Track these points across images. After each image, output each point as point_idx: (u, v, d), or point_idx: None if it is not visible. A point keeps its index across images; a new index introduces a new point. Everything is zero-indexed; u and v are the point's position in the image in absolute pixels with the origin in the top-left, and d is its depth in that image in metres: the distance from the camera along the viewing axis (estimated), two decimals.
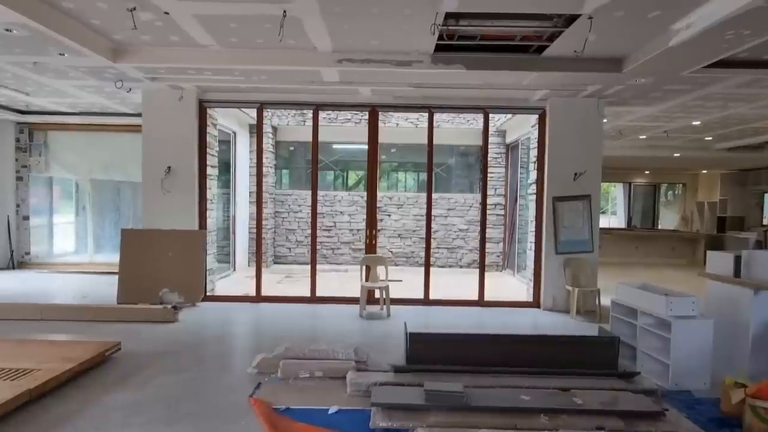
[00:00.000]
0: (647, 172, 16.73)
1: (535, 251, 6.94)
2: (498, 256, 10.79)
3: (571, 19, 4.27)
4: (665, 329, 4.11)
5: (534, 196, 7.05)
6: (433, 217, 11.37)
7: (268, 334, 5.43)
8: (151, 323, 5.64)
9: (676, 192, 18.34)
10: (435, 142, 11.15)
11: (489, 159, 10.82)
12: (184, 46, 5.15)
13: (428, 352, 4.18)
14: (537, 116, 6.96)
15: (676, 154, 11.52)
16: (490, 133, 10.86)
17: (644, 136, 9.96)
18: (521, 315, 6.53)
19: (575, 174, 6.68)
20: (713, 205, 15.73)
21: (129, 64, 5.37)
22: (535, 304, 6.90)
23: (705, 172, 16.27)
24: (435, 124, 10.81)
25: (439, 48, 5.12)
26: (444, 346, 4.22)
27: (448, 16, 4.28)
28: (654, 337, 4.28)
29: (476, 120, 10.99)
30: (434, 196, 11.41)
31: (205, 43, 5.03)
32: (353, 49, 5.15)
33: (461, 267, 11.37)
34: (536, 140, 7.02)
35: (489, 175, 10.75)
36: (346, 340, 5.20)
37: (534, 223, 7.00)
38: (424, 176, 12.52)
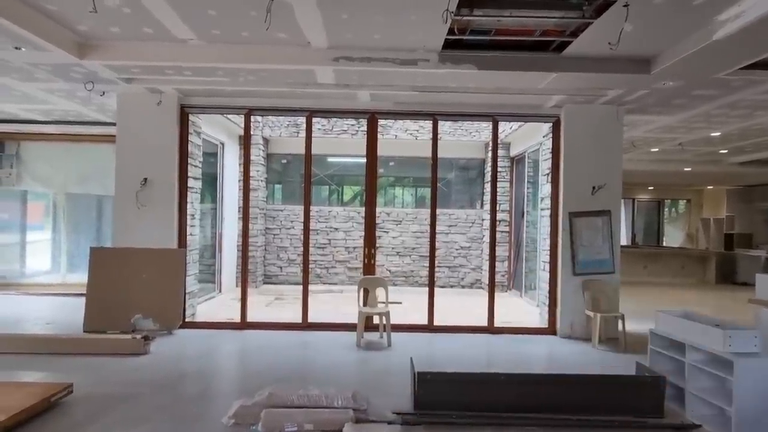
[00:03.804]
0: (651, 187, 16.27)
1: (550, 272, 6.30)
2: (503, 276, 10.14)
3: (603, 7, 3.73)
4: (720, 367, 3.47)
5: (547, 212, 6.45)
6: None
7: (252, 370, 4.73)
8: (118, 356, 4.92)
9: (679, 208, 17.91)
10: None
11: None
12: (160, 41, 4.55)
13: (440, 395, 3.51)
14: (550, 125, 6.40)
15: (686, 168, 11.03)
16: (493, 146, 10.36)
17: (656, 149, 9.45)
18: (536, 344, 5.86)
19: (593, 188, 6.09)
20: (719, 222, 15.24)
21: (98, 61, 4.75)
22: (551, 330, 6.24)
23: (711, 187, 15.83)
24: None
25: (447, 45, 4.56)
26: (459, 387, 3.55)
27: (462, 3, 3.72)
28: (705, 376, 3.64)
29: (479, 132, 10.46)
30: (436, 211, 10.81)
31: (183, 36, 4.43)
32: (352, 45, 4.57)
33: (463, 287, 10.70)
34: (549, 151, 6.45)
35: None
36: (342, 376, 4.51)
37: (548, 241, 6.38)
38: (422, 191, 11.95)
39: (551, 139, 6.39)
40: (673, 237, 17.32)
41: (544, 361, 5.31)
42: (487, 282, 10.16)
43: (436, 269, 10.81)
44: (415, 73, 4.96)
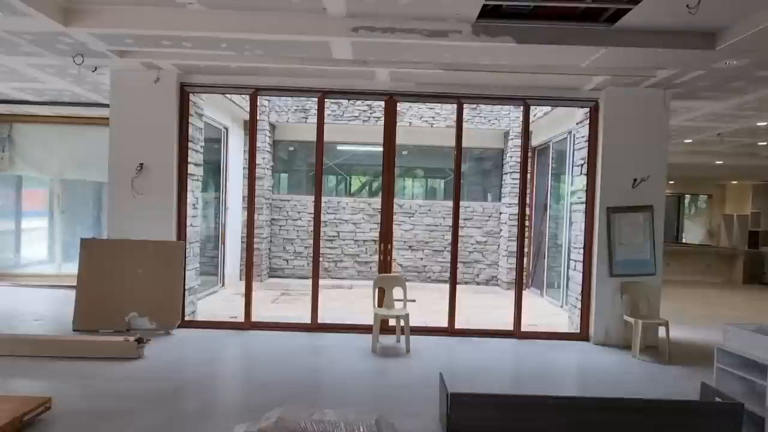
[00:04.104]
0: (671, 181, 15.61)
1: (583, 272, 5.74)
2: None
3: None
4: None
5: (581, 206, 5.88)
6: (448, 228, 10.24)
7: (257, 380, 4.22)
8: (108, 360, 4.43)
9: (698, 204, 17.26)
10: (448, 144, 10.03)
11: (512, 164, 9.69)
12: (155, 5, 3.99)
13: (477, 420, 2.99)
14: (587, 111, 5.81)
15: (717, 162, 10.40)
16: (513, 135, 9.77)
17: (689, 140, 8.83)
18: (569, 352, 5.33)
19: (635, 180, 5.51)
20: (743, 219, 14.58)
21: (86, 29, 4.20)
22: (583, 336, 5.70)
23: (735, 182, 15.15)
24: (449, 123, 9.71)
25: (483, 14, 3.97)
26: (499, 412, 3.03)
27: None
28: None
29: (498, 120, 9.85)
30: (450, 204, 10.25)
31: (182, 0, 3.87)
32: (374, 13, 3.99)
33: (478, 284, 10.17)
34: (584, 139, 5.86)
35: (513, 181, 9.59)
36: (358, 390, 4.00)
37: (581, 237, 5.81)
38: (433, 183, 11.38)
39: (587, 126, 5.80)
40: (692, 233, 16.69)
41: (583, 375, 4.77)
42: (504, 279, 9.69)
43: (449, 264, 10.24)
44: (443, 48, 4.39)
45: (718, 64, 4.50)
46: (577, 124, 6.14)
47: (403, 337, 5.27)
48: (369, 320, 5.60)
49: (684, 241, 16.26)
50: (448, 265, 10.14)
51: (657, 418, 3.05)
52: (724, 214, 15.47)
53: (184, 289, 5.67)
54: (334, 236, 10.14)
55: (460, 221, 9.97)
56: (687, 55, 4.28)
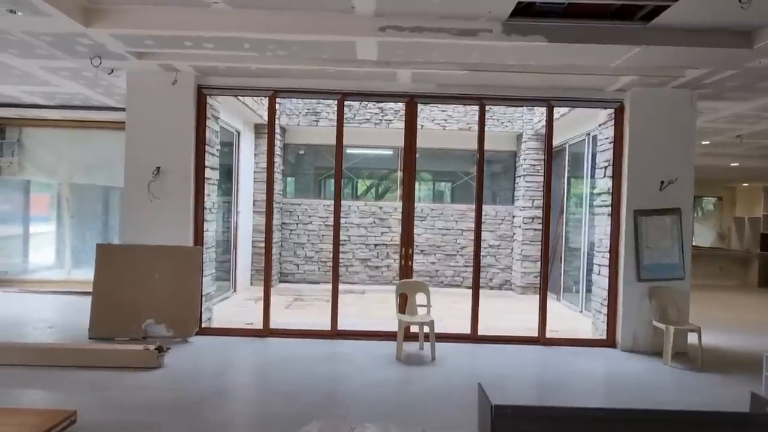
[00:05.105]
0: None
1: (609, 277, 5.62)
2: (535, 277, 9.46)
3: None
4: None
5: (605, 209, 5.76)
6: (460, 232, 10.14)
7: (281, 390, 4.09)
8: (128, 369, 4.30)
9: (705, 206, 17.13)
10: (459, 146, 9.96)
11: (526, 167, 9.59)
12: (179, 5, 3.89)
13: None
14: (611, 112, 5.69)
15: (733, 164, 10.28)
16: (527, 137, 9.67)
17: (707, 142, 8.71)
18: (598, 359, 5.19)
19: (662, 182, 5.40)
20: (755, 221, 14.45)
21: (106, 30, 4.10)
22: (610, 342, 5.57)
23: (746, 185, 15.03)
24: (462, 126, 9.63)
25: (514, 13, 3.87)
26: (547, 425, 2.89)
27: None
28: None
29: (511, 122, 9.75)
30: (462, 207, 10.17)
31: None
32: (403, 12, 3.88)
33: (491, 288, 10.04)
34: (608, 141, 5.75)
35: (527, 184, 9.49)
36: (386, 400, 3.88)
37: (606, 241, 5.69)
38: (440, 186, 11.30)
39: (611, 128, 5.68)
40: (702, 236, 16.57)
41: (615, 383, 4.63)
42: (518, 284, 9.57)
43: (462, 268, 10.17)
44: (471, 47, 4.29)
45: (752, 63, 4.39)
46: (600, 125, 6.03)
47: (426, 344, 5.14)
48: (386, 326, 5.50)
49: (694, 243, 16.13)
50: (461, 269, 10.08)
51: (710, 430, 2.91)
52: (735, 216, 15.35)
53: (202, 296, 5.54)
54: (345, 240, 10.01)
55: (472, 224, 9.93)
56: (722, 54, 4.17)
